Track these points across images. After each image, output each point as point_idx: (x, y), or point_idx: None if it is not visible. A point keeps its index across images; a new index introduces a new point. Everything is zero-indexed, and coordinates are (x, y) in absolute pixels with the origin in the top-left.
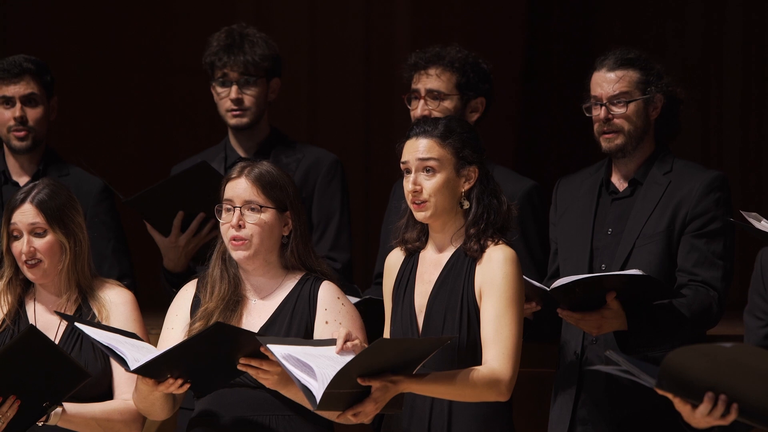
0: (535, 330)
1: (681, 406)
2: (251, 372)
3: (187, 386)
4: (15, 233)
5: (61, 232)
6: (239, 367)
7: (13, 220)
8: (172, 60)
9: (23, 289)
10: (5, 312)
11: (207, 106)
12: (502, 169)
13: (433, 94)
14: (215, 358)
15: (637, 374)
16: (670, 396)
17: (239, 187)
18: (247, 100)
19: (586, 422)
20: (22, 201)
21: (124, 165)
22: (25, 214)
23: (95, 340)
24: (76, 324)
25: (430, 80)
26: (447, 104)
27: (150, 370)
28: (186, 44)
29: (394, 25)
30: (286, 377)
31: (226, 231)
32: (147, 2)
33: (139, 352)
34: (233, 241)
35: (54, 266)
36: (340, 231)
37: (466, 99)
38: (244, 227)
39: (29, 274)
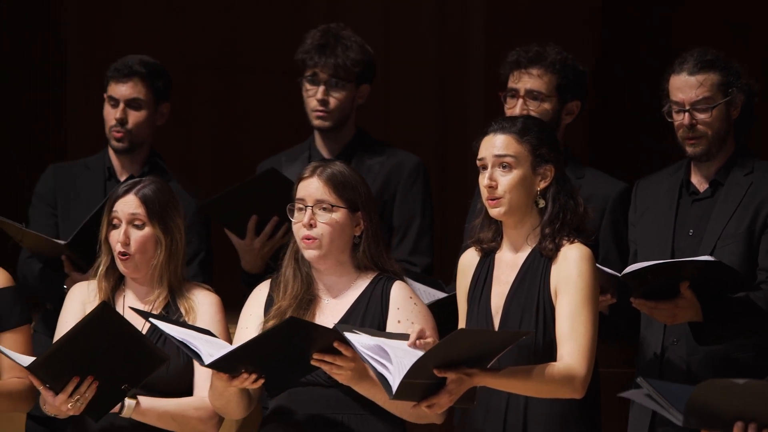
0: (611, 325)
1: None
2: (325, 367)
3: (261, 381)
4: (115, 221)
5: (159, 227)
6: (313, 362)
7: (114, 209)
8: (243, 59)
9: (117, 279)
10: (101, 299)
11: (282, 106)
12: (593, 171)
13: (533, 95)
14: (288, 353)
15: (667, 408)
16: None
17: (311, 187)
18: (333, 102)
19: (666, 423)
20: (126, 192)
21: (196, 166)
22: (128, 205)
23: (170, 335)
24: (151, 320)
25: (532, 80)
26: (546, 106)
27: (224, 365)
28: (258, 43)
29: (468, 24)
30: (359, 373)
31: (298, 230)
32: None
33: (213, 348)
34: (305, 240)
35: (146, 261)
36: (420, 235)
37: (563, 101)
38: (315, 226)
39: (121, 266)
